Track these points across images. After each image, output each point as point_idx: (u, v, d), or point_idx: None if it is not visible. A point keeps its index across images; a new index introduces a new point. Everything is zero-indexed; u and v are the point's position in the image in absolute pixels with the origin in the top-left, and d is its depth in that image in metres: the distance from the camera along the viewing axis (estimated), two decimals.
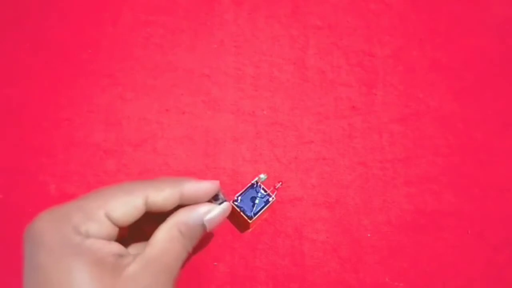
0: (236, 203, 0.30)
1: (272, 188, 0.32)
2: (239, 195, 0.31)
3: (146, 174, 0.34)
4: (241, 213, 0.30)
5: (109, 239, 0.22)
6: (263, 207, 0.30)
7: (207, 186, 0.25)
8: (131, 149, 0.35)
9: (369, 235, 0.33)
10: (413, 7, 0.40)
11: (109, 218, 0.22)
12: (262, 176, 0.31)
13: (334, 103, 0.37)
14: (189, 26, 0.39)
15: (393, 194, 0.34)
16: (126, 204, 0.22)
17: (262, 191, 0.31)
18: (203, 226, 0.24)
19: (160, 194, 0.23)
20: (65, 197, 0.34)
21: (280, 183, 0.33)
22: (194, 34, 0.39)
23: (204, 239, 0.27)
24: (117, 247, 0.22)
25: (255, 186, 0.31)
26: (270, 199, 0.31)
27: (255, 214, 0.30)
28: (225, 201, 0.26)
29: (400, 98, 0.37)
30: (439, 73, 0.38)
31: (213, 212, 0.25)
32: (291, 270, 0.32)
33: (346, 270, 0.32)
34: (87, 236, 0.21)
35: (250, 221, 0.30)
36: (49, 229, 0.21)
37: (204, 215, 0.24)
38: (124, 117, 0.36)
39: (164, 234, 0.23)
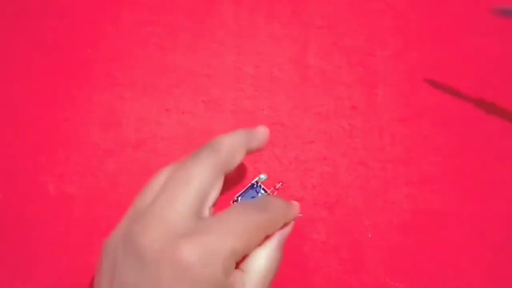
0: (236, 203, 0.30)
1: (272, 188, 0.32)
2: (239, 195, 0.31)
3: (146, 174, 0.34)
4: None
5: None
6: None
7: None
8: (131, 149, 0.35)
9: (369, 235, 0.33)
10: (413, 7, 0.40)
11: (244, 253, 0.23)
12: (262, 176, 0.31)
13: (334, 103, 0.37)
14: (189, 26, 0.39)
15: (394, 194, 0.34)
16: (256, 243, 0.24)
17: (262, 191, 0.31)
18: (285, 239, 0.27)
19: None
20: (64, 197, 0.34)
21: (281, 183, 0.33)
22: (194, 34, 0.39)
23: None
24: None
25: (255, 186, 0.31)
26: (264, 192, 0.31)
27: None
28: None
29: (401, 98, 0.37)
30: (439, 73, 0.38)
31: (291, 227, 0.27)
32: (291, 270, 0.32)
33: (346, 270, 0.32)
34: (229, 273, 0.21)
35: None
36: (202, 264, 0.20)
37: (287, 233, 0.27)
38: (124, 117, 0.36)
39: (263, 261, 0.24)
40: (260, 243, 0.24)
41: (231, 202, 0.30)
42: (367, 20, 0.39)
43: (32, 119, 0.36)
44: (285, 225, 0.26)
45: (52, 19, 0.39)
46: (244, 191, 0.31)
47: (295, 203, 0.28)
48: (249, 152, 0.26)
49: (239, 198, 0.30)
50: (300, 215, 0.28)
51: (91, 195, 0.34)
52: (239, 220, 0.22)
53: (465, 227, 0.33)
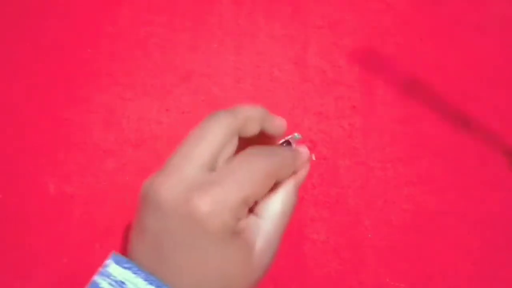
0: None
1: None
2: None
3: (146, 174, 0.34)
4: None
5: None
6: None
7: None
8: (131, 149, 0.35)
9: (370, 235, 0.33)
10: (413, 7, 0.40)
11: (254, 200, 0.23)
12: (296, 135, 0.31)
13: (334, 103, 0.37)
14: (189, 26, 0.39)
15: (394, 194, 0.34)
16: (266, 189, 0.24)
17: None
18: (300, 185, 0.27)
19: (286, 174, 0.26)
20: (64, 197, 0.34)
21: (313, 154, 0.33)
22: (194, 34, 0.39)
23: None
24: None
25: (285, 144, 0.31)
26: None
27: None
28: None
29: (401, 98, 0.37)
30: (439, 72, 0.38)
31: (306, 171, 0.28)
32: (291, 270, 0.32)
33: (346, 270, 0.32)
34: (241, 220, 0.22)
35: None
36: (214, 215, 0.21)
37: (303, 178, 0.27)
38: (124, 117, 0.36)
39: (278, 208, 0.25)
40: (272, 188, 0.25)
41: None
42: (367, 20, 0.39)
43: (32, 119, 0.36)
44: (298, 171, 0.27)
45: (52, 19, 0.39)
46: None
47: (303, 148, 0.28)
48: (263, 130, 0.27)
49: None
50: (314, 158, 0.29)
51: (91, 195, 0.34)
52: (248, 169, 0.23)
53: (465, 227, 0.33)
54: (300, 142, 0.31)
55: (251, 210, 0.25)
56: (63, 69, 0.37)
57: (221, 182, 0.22)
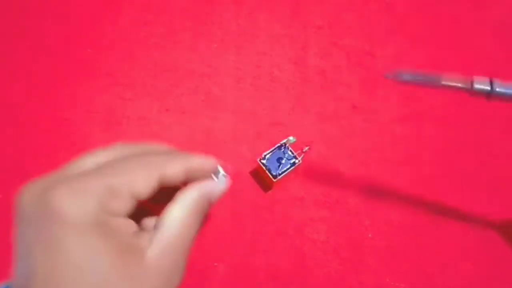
0: (263, 161, 0.31)
1: (299, 151, 0.32)
2: (267, 154, 0.31)
3: None
4: (267, 171, 0.31)
5: (128, 216, 0.21)
6: (288, 168, 0.31)
7: (211, 163, 0.25)
8: None
9: (370, 235, 0.33)
10: (413, 7, 0.40)
11: (132, 195, 0.21)
12: (291, 138, 0.31)
13: (334, 103, 0.37)
14: (189, 26, 0.39)
15: (394, 194, 0.34)
16: (147, 179, 0.22)
17: (289, 153, 0.31)
18: (210, 202, 0.25)
19: (175, 168, 0.23)
20: None
21: (308, 147, 0.33)
22: (194, 33, 0.39)
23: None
24: (134, 225, 0.22)
25: (283, 147, 0.31)
26: (296, 161, 0.31)
27: (280, 174, 0.31)
28: (225, 176, 0.26)
29: (401, 98, 0.37)
30: (439, 72, 0.38)
31: (219, 189, 0.25)
32: (291, 270, 0.32)
33: (346, 270, 0.32)
34: (113, 214, 0.20)
35: (274, 180, 0.31)
36: (71, 203, 0.19)
37: (212, 191, 0.25)
38: (124, 117, 0.36)
39: (177, 214, 0.23)
40: (173, 200, 0.23)
41: (258, 160, 0.31)
42: (367, 20, 0.39)
43: (32, 119, 0.36)
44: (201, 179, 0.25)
45: (53, 19, 0.39)
46: (271, 150, 0.31)
47: (206, 158, 0.25)
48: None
49: (267, 156, 0.31)
50: (223, 175, 0.26)
51: None
52: (115, 157, 0.22)
53: (465, 227, 0.33)
54: (297, 144, 0.32)
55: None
56: (63, 69, 0.37)
57: (85, 174, 0.20)
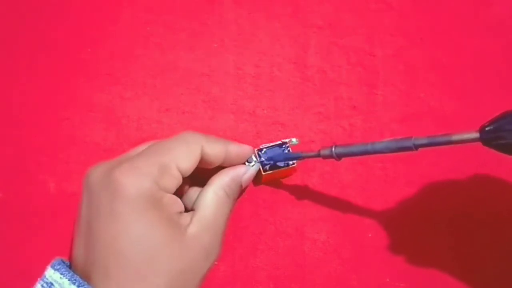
0: (259, 152, 0.31)
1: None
2: (265, 146, 0.31)
3: None
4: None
5: (176, 193, 0.24)
6: (281, 167, 0.31)
7: (247, 150, 0.29)
8: (131, 148, 0.35)
9: (370, 235, 0.33)
10: (413, 7, 0.40)
11: (180, 171, 0.24)
12: (294, 140, 0.31)
13: (334, 103, 0.37)
14: (189, 26, 0.39)
15: (394, 194, 0.34)
16: (189, 155, 0.24)
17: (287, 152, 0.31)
18: (241, 185, 0.28)
19: (214, 148, 0.26)
20: (65, 196, 0.34)
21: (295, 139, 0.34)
22: (194, 33, 0.39)
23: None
24: (179, 201, 0.25)
25: (283, 146, 0.31)
26: (291, 163, 0.31)
27: (270, 169, 0.30)
28: (257, 163, 0.30)
29: (401, 97, 0.37)
30: (439, 72, 0.38)
31: (249, 173, 0.29)
32: (291, 270, 0.32)
33: (347, 270, 0.32)
34: (165, 190, 0.23)
35: (263, 173, 0.30)
36: (130, 180, 0.22)
37: (242, 176, 0.28)
38: (124, 116, 0.36)
39: (213, 195, 0.25)
40: (209, 183, 0.26)
41: (255, 150, 0.31)
42: (367, 20, 0.39)
43: (33, 119, 0.36)
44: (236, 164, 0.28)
45: (53, 19, 0.39)
46: (271, 146, 0.31)
47: (247, 147, 0.29)
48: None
49: (264, 149, 0.31)
50: (253, 164, 0.29)
51: None
52: (168, 141, 0.25)
53: (465, 227, 0.33)
54: (297, 145, 0.32)
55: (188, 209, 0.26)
56: (63, 69, 0.37)
57: (140, 155, 0.24)
